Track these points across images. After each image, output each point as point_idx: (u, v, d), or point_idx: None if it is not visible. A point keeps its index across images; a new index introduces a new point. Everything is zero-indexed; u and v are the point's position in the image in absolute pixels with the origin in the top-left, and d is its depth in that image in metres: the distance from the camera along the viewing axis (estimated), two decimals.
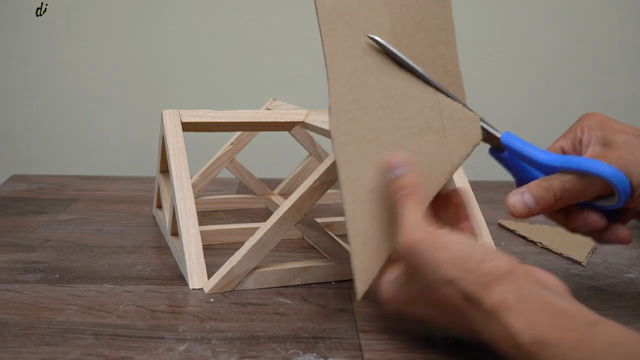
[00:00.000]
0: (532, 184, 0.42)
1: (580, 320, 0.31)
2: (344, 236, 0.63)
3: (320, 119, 0.57)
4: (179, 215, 0.52)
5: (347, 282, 0.51)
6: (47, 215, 0.69)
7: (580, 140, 0.45)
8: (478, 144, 0.44)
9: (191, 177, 0.71)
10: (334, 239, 0.50)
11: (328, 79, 0.42)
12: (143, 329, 0.41)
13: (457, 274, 0.35)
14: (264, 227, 0.48)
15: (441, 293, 0.35)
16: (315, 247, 0.51)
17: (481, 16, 1.01)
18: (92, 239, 0.61)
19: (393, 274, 0.39)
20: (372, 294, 0.48)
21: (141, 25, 1.00)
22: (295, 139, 0.71)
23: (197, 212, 0.72)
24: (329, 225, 0.64)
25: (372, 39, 0.43)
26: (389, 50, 0.44)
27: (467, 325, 0.35)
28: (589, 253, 0.59)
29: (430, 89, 0.44)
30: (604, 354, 0.29)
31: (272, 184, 0.79)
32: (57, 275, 0.51)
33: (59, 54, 1.00)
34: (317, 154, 0.73)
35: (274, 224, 0.48)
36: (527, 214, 0.42)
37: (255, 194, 0.76)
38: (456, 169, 0.43)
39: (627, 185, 0.41)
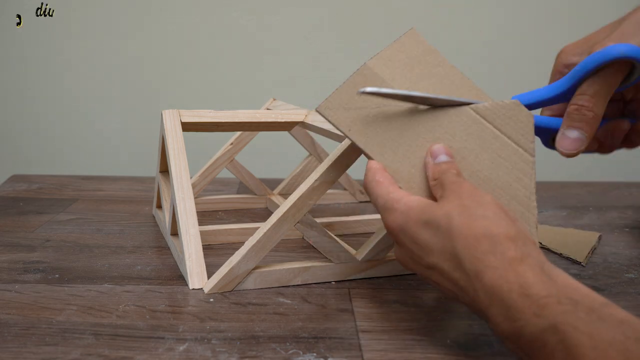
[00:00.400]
0: (565, 118, 0.43)
1: (595, 299, 0.32)
2: (343, 236, 0.63)
3: (320, 119, 0.57)
4: (179, 215, 0.52)
5: (347, 282, 0.51)
6: (47, 215, 0.69)
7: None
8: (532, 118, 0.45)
9: (191, 177, 0.72)
10: (334, 239, 0.50)
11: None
12: (143, 329, 0.41)
13: (490, 214, 0.36)
14: (263, 227, 0.48)
15: (470, 225, 0.36)
16: (315, 247, 0.51)
17: (480, 16, 1.01)
18: (92, 239, 0.61)
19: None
20: (371, 294, 0.49)
21: (141, 26, 1.00)
22: (295, 139, 0.71)
23: (197, 212, 0.72)
24: (329, 225, 0.64)
25: (364, 92, 0.44)
26: (387, 93, 0.45)
27: (471, 265, 0.35)
28: (589, 253, 0.58)
29: (458, 107, 0.45)
30: (613, 324, 0.30)
31: (272, 184, 0.79)
32: (57, 275, 0.51)
33: (59, 54, 1.00)
34: (317, 154, 0.73)
35: (274, 224, 0.48)
36: (583, 146, 0.43)
37: (255, 194, 0.76)
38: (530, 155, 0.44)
39: None
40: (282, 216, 0.48)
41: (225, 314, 0.44)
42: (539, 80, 1.02)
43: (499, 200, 0.42)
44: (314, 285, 0.50)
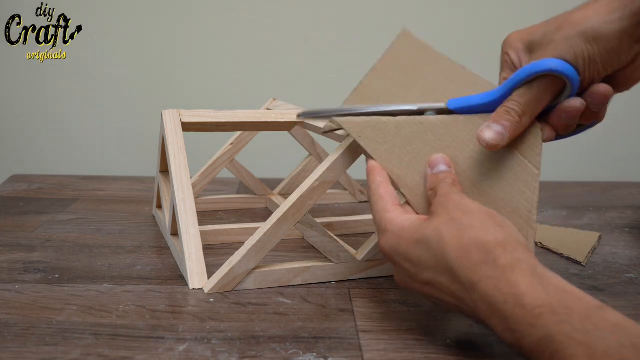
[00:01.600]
0: (493, 115, 0.44)
1: (589, 303, 0.32)
2: (343, 236, 0.63)
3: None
4: (179, 215, 0.52)
5: (347, 282, 0.51)
6: (47, 215, 0.69)
7: (513, 63, 0.46)
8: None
9: (191, 177, 0.71)
10: (334, 239, 0.50)
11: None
12: (143, 329, 0.41)
13: (477, 223, 0.37)
14: (264, 227, 0.48)
15: (460, 237, 0.36)
16: (315, 247, 0.51)
17: (480, 16, 1.01)
18: (92, 239, 0.61)
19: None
20: (371, 294, 0.49)
21: (142, 26, 1.00)
22: (295, 139, 0.71)
23: (197, 212, 0.72)
24: (329, 225, 0.64)
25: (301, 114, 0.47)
26: (322, 114, 0.48)
27: (465, 277, 0.35)
28: (589, 253, 0.58)
29: (468, 115, 0.46)
30: (608, 331, 0.29)
31: (272, 184, 0.79)
32: (57, 275, 0.51)
33: (59, 54, 1.00)
34: (317, 154, 0.73)
35: (274, 224, 0.48)
36: (503, 142, 0.43)
37: (255, 194, 0.76)
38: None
39: (573, 70, 0.41)
40: (282, 216, 0.48)
41: (225, 314, 0.44)
42: None
43: (499, 212, 0.42)
44: (314, 285, 0.50)
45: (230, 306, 0.46)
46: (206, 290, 0.48)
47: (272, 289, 0.49)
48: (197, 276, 0.49)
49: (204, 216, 0.71)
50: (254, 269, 0.49)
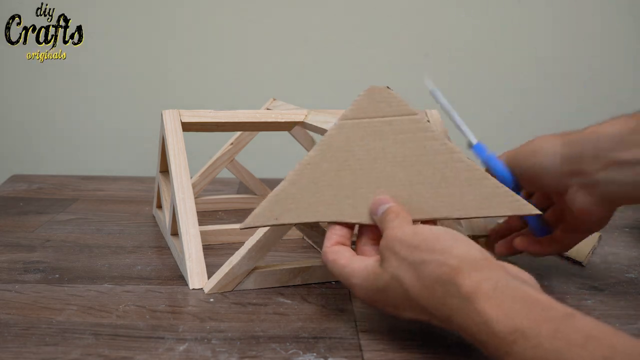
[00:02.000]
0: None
1: (557, 312, 0.31)
2: None
3: (320, 119, 0.57)
4: (179, 215, 0.52)
5: None
6: (47, 215, 0.69)
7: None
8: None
9: (191, 177, 0.71)
10: None
11: None
12: (143, 329, 0.41)
13: (427, 256, 0.36)
14: (264, 227, 0.48)
15: (418, 276, 0.36)
16: (315, 247, 0.51)
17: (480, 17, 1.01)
18: (92, 239, 0.61)
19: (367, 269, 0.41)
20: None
21: (142, 25, 1.00)
22: (295, 139, 0.71)
23: (197, 212, 0.71)
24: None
25: None
26: None
27: (439, 312, 0.35)
28: (589, 253, 0.58)
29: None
30: (579, 346, 0.29)
31: (272, 183, 0.79)
32: (57, 275, 0.51)
33: (59, 54, 1.00)
34: None
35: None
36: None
37: (256, 194, 0.76)
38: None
39: (508, 177, 0.48)
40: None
41: (225, 314, 0.44)
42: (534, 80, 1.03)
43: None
44: (314, 285, 0.50)
45: (230, 306, 0.46)
46: (206, 290, 0.48)
47: (272, 289, 0.49)
48: (197, 276, 0.49)
49: (204, 216, 0.71)
50: (253, 269, 0.49)
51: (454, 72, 1.00)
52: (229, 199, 0.75)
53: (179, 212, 0.52)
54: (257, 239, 0.48)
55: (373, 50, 1.00)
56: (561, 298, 0.48)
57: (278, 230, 0.48)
